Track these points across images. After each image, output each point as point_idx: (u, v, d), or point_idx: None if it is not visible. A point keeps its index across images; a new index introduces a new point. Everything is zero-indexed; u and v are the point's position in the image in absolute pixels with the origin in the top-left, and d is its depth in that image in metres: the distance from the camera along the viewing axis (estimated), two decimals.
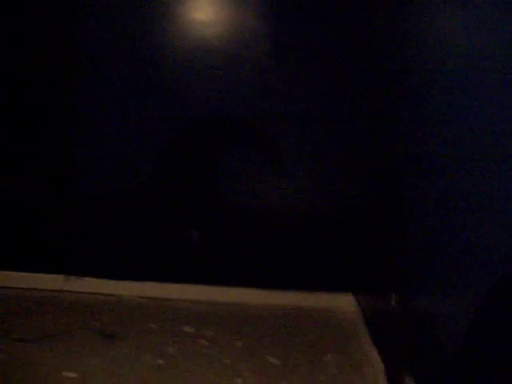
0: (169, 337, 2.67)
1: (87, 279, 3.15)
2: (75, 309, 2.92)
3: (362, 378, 2.39)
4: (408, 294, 2.18)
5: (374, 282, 2.83)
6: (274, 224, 3.15)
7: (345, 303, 3.08)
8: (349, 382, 2.36)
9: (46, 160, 3.16)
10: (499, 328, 1.30)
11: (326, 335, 2.80)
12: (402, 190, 2.35)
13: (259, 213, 3.14)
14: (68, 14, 3.05)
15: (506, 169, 1.29)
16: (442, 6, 1.93)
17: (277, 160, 3.11)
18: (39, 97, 3.11)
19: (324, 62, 3.02)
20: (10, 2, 3.04)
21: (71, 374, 2.25)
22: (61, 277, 3.15)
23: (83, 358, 2.41)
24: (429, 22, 2.08)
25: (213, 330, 2.77)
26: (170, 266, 3.19)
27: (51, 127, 3.14)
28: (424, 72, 2.09)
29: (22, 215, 3.19)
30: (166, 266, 3.19)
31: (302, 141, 3.10)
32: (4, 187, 3.17)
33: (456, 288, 1.65)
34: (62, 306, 2.95)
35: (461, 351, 1.56)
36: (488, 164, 1.42)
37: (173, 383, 2.28)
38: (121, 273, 3.16)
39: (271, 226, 3.15)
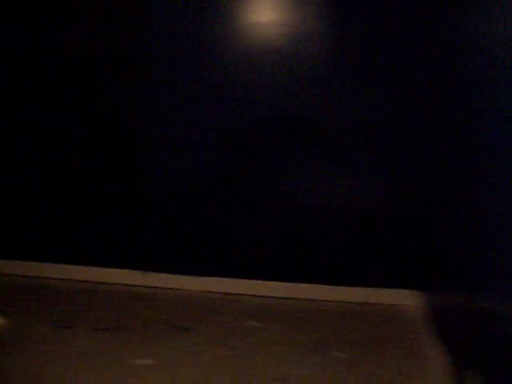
0: (237, 330, 2.79)
1: (160, 275, 3.35)
2: (149, 302, 3.13)
3: (426, 375, 2.40)
4: (476, 291, 2.16)
5: (440, 279, 2.81)
6: (339, 221, 3.19)
7: (410, 300, 3.08)
8: (412, 378, 2.37)
9: (119, 163, 3.37)
10: None
11: (391, 331, 2.81)
12: (472, 185, 2.33)
13: (324, 211, 3.19)
14: (135, 22, 3.25)
15: None
16: None
17: (342, 159, 3.15)
18: (111, 101, 3.33)
19: (390, 59, 3.03)
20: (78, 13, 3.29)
21: (146, 361, 2.42)
22: (136, 272, 3.37)
23: (156, 347, 2.57)
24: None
25: (279, 325, 2.86)
26: (238, 261, 3.31)
27: (123, 134, 3.35)
28: (493, 66, 2.07)
29: (98, 215, 3.43)
30: (234, 262, 3.32)
31: (366, 140, 3.12)
32: (81, 189, 3.42)
33: None
34: (136, 299, 3.17)
35: None
36: None
37: (240, 374, 2.37)
38: (191, 269, 3.33)
39: (336, 223, 3.20)
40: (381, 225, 3.16)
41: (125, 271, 3.39)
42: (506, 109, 1.85)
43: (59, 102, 3.39)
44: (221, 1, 3.11)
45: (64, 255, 3.49)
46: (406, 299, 3.09)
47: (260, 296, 3.23)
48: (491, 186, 2.07)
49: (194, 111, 3.23)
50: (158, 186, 3.35)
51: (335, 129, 3.12)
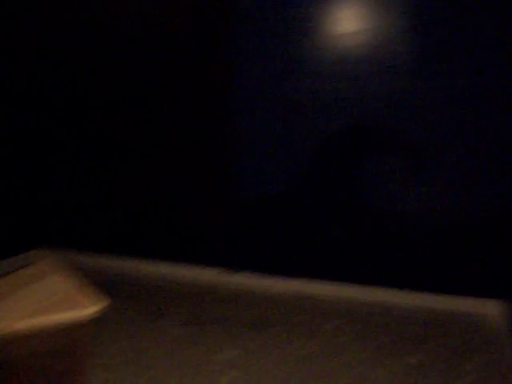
0: (312, 331, 2.90)
1: (243, 274, 3.53)
2: (232, 300, 3.32)
3: None
4: None
5: None
6: (424, 228, 3.18)
7: (493, 309, 3.01)
8: None
9: (212, 169, 3.59)
10: None
11: (469, 340, 2.77)
12: None
13: (409, 217, 3.19)
14: (224, 30, 3.43)
15: None
16: None
17: (421, 166, 3.13)
18: (200, 110, 3.55)
19: (472, 66, 2.98)
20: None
21: (224, 353, 2.61)
22: (220, 270, 3.58)
23: (234, 341, 2.75)
24: None
25: (354, 327, 2.93)
26: (320, 264, 3.40)
27: (215, 141, 3.55)
28: None
29: (189, 215, 3.67)
30: (317, 264, 3.41)
31: (445, 147, 3.09)
32: (176, 191, 3.68)
33: None
34: (220, 296, 3.38)
35: None
36: None
37: (314, 372, 2.48)
38: (272, 269, 3.48)
39: (421, 230, 3.19)
40: (467, 233, 3.11)
41: (212, 271, 3.61)
42: None
43: (156, 110, 3.68)
44: (309, 11, 3.22)
45: (157, 253, 3.79)
46: (490, 309, 3.02)
47: (341, 299, 3.31)
48: None
49: (283, 119, 3.36)
50: (245, 189, 3.51)
51: (414, 136, 3.11)
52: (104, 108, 3.85)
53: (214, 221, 3.61)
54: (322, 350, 2.68)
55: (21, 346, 1.70)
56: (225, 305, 3.26)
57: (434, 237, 3.17)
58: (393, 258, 3.25)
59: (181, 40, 3.54)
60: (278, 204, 3.46)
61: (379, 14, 3.10)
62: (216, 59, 3.48)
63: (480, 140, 3.02)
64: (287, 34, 3.28)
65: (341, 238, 3.33)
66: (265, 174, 3.45)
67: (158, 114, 3.68)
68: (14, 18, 3.82)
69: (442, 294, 3.14)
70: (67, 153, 4.03)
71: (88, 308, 1.78)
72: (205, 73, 3.52)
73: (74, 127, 3.98)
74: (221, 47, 3.45)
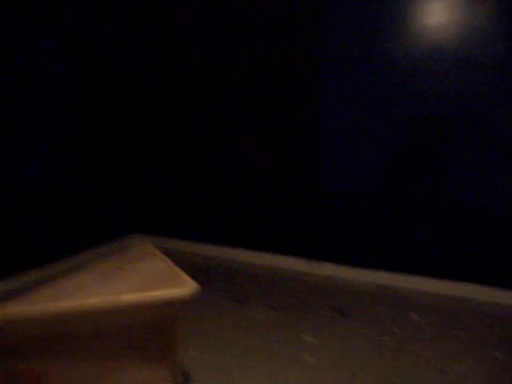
0: (395, 320, 2.92)
1: (328, 264, 3.60)
2: (315, 288, 3.41)
3: None
4: None
5: None
6: (507, 224, 3.10)
7: None
8: None
9: (299, 162, 3.68)
10: None
11: None
12: None
13: (496, 212, 3.12)
14: (312, 26, 3.50)
15: None
16: None
17: (507, 160, 3.05)
18: (288, 103, 3.65)
19: None
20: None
21: (309, 338, 2.70)
22: (306, 261, 3.67)
23: (319, 327, 2.84)
24: None
25: (438, 320, 2.92)
26: (402, 257, 3.40)
27: (300, 136, 3.64)
28: None
29: (278, 206, 3.79)
30: (398, 256, 3.41)
31: None
32: (265, 182, 3.81)
33: None
34: (305, 285, 3.48)
35: None
36: None
37: (399, 363, 2.51)
38: (358, 261, 3.52)
39: (503, 225, 3.11)
40: None
41: (295, 259, 3.72)
42: None
43: (248, 103, 3.83)
44: (396, 4, 3.22)
45: (246, 242, 3.95)
46: None
47: (423, 292, 3.30)
48: None
49: (365, 111, 3.39)
50: (331, 182, 3.58)
51: (505, 129, 3.03)
52: (198, 101, 4.05)
53: (303, 212, 3.70)
54: (406, 341, 2.70)
55: (121, 317, 1.89)
56: (310, 293, 3.35)
57: None
58: (480, 254, 3.19)
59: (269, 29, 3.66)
60: (363, 197, 3.49)
61: (468, 6, 3.04)
62: (301, 54, 3.56)
63: None
64: (371, 26, 3.29)
65: (426, 232, 3.31)
66: (350, 167, 3.49)
67: (249, 107, 3.83)
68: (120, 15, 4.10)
69: None
70: (162, 142, 4.28)
71: (180, 289, 1.93)
72: (291, 69, 3.62)
73: (170, 117, 4.22)
74: (307, 41, 3.53)
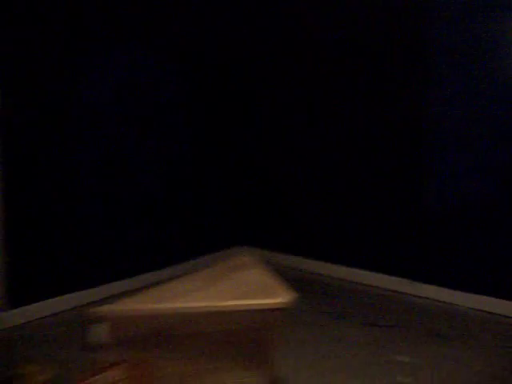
0: (495, 350, 2.80)
1: (427, 286, 3.53)
2: (415, 309, 3.37)
3: None
4: None
5: None
6: None
7: None
8: None
9: (403, 177, 3.67)
10: None
11: None
12: None
13: None
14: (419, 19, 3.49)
15: None
16: None
17: None
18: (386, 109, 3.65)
19: None
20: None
21: (404, 358, 2.68)
22: (405, 280, 3.63)
23: (415, 348, 2.81)
24: None
25: None
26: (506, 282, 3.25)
27: (404, 152, 3.63)
28: None
29: (380, 224, 3.79)
30: (500, 283, 3.26)
31: None
32: (368, 200, 3.83)
33: None
34: (404, 304, 3.44)
35: None
36: None
37: None
38: (463, 285, 3.41)
39: None
40: None
41: (395, 278, 3.68)
42: None
43: (349, 107, 3.89)
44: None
45: (344, 258, 3.98)
46: None
47: None
48: None
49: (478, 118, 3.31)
50: (437, 199, 3.51)
51: None
52: (311, 113, 4.18)
53: (406, 230, 3.66)
54: (503, 369, 2.59)
55: (221, 322, 2.03)
56: (409, 313, 3.32)
57: None
58: None
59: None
60: (472, 215, 3.38)
61: None
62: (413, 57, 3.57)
63: None
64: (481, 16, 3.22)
65: None
66: (457, 182, 3.41)
67: (353, 119, 3.89)
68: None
69: None
70: (271, 156, 4.46)
71: (278, 298, 2.04)
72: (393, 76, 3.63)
73: (281, 128, 4.39)
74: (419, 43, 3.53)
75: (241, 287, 2.16)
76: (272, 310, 2.03)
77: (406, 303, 3.48)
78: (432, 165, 3.49)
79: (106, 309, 1.97)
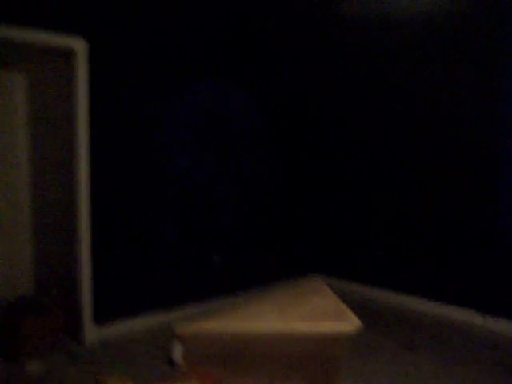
0: None
1: (503, 321, 3.46)
2: (487, 343, 3.31)
3: None
4: None
5: None
6: None
7: None
8: None
9: (477, 209, 3.65)
10: None
11: None
12: None
13: None
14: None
15: None
16: None
17: None
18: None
19: None
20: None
21: None
22: (481, 315, 3.57)
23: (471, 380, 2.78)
24: None
25: None
26: None
27: (479, 183, 3.62)
28: None
29: (456, 257, 3.77)
30: None
31: None
32: (438, 232, 3.83)
33: None
34: (476, 338, 3.39)
35: None
36: None
37: None
38: None
39: None
40: None
41: (469, 312, 3.63)
42: None
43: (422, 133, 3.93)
44: None
45: (420, 289, 3.98)
46: None
47: None
48: None
49: None
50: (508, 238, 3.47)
51: None
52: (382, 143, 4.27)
53: (481, 264, 3.63)
54: None
55: (290, 344, 2.15)
56: (481, 347, 3.27)
57: None
58: None
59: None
60: None
61: None
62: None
63: None
64: None
65: None
66: None
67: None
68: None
69: None
70: (341, 189, 4.57)
71: (345, 325, 2.14)
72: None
73: (357, 160, 4.50)
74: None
75: (310, 312, 2.28)
76: (338, 335, 2.13)
77: (480, 337, 3.42)
78: (508, 196, 3.45)
79: (186, 327, 2.16)
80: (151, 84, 3.53)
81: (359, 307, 4.07)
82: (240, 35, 4.03)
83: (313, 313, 2.28)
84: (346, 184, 4.50)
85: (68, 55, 3.37)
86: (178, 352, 2.94)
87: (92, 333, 3.31)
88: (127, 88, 3.40)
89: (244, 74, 4.09)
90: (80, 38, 3.11)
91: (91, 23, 3.19)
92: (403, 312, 3.95)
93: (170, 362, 3.00)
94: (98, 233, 3.30)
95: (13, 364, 2.97)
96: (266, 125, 4.29)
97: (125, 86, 3.39)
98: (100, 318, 3.36)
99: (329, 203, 4.66)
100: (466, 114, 3.63)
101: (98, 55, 3.24)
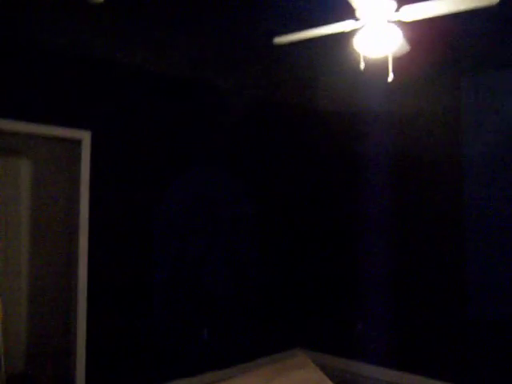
0: None
1: None
2: None
3: None
4: None
5: None
6: None
7: None
8: None
9: (444, 290, 3.91)
10: None
11: None
12: None
13: None
14: None
15: None
16: None
17: None
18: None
19: None
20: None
21: None
22: None
23: None
24: None
25: None
26: None
27: (444, 262, 3.90)
28: None
29: (437, 333, 3.98)
30: None
31: None
32: (416, 310, 4.06)
33: None
34: None
35: None
36: None
37: None
38: None
39: None
40: None
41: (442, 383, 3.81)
42: None
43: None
44: None
45: (402, 363, 4.15)
46: None
47: None
48: None
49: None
50: (477, 312, 3.70)
51: None
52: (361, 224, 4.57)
53: (450, 338, 3.84)
54: None
55: None
56: None
57: None
58: None
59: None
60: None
61: None
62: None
63: None
64: None
65: None
66: (498, 296, 3.60)
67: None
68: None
69: None
70: (322, 267, 4.82)
71: None
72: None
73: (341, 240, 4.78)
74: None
75: None
76: None
77: None
78: (475, 277, 3.72)
79: None
80: (148, 168, 3.84)
81: (342, 381, 4.21)
82: (231, 133, 4.43)
83: None
84: (328, 263, 4.76)
85: (73, 143, 3.69)
86: None
87: None
88: (124, 172, 3.71)
89: (233, 165, 4.44)
90: (86, 131, 3.45)
91: (95, 118, 3.55)
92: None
93: None
94: (93, 310, 3.49)
95: None
96: (251, 209, 4.60)
97: (122, 170, 3.70)
98: None
99: (312, 281, 4.90)
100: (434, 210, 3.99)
101: (100, 143, 3.57)
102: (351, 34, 3.04)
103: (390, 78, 2.43)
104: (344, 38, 3.11)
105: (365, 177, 4.50)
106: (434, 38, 3.13)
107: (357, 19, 2.37)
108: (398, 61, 3.58)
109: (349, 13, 2.66)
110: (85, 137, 3.42)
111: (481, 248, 3.71)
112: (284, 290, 4.86)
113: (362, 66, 2.33)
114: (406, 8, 2.25)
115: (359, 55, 3.24)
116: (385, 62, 3.40)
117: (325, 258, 4.80)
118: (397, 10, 2.36)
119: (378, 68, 3.68)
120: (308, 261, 4.96)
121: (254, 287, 4.58)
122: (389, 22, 2.36)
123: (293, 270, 4.95)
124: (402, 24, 2.84)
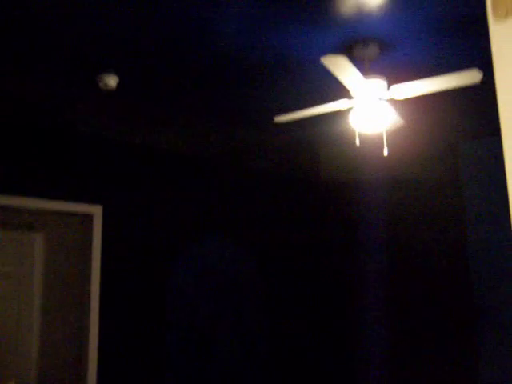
0: None
1: None
2: None
3: None
4: None
5: None
6: None
7: None
8: None
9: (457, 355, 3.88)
10: None
11: None
12: None
13: None
14: None
15: None
16: None
17: None
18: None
19: None
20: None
21: None
22: None
23: None
24: None
25: None
26: None
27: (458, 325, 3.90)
28: None
29: None
30: None
31: None
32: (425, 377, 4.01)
33: None
34: None
35: None
36: None
37: None
38: None
39: None
40: None
41: None
42: None
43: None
44: None
45: None
46: None
47: None
48: None
49: None
50: (491, 376, 3.66)
51: None
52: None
53: None
54: None
55: None
56: None
57: None
58: None
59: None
60: None
61: None
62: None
63: None
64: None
65: None
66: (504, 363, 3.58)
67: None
68: None
69: None
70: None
71: None
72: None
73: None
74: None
75: None
76: None
77: None
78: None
79: None
80: (157, 241, 3.95)
81: None
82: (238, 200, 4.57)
83: None
84: (335, 342, 4.74)
85: (85, 217, 3.83)
86: None
87: None
88: (135, 245, 3.82)
89: (240, 235, 4.54)
90: (97, 205, 3.60)
91: (106, 193, 3.71)
92: None
93: None
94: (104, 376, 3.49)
95: None
96: (261, 281, 4.64)
97: (132, 243, 3.81)
98: None
99: (325, 357, 4.85)
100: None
101: (111, 217, 3.71)
102: (349, 111, 3.23)
103: (385, 152, 2.57)
104: (344, 115, 3.30)
105: (364, 243, 4.57)
106: (427, 111, 3.31)
107: (350, 98, 2.55)
108: (393, 134, 3.75)
109: (344, 92, 2.85)
110: (96, 211, 3.55)
111: (489, 315, 3.71)
112: (287, 362, 4.81)
113: (358, 142, 2.47)
114: (395, 87, 2.42)
115: (355, 132, 3.42)
116: (380, 136, 3.58)
117: (333, 339, 4.78)
118: (388, 89, 2.54)
119: (375, 142, 3.86)
120: (317, 336, 4.93)
121: (262, 355, 4.54)
122: (381, 99, 2.53)
123: (303, 341, 4.91)
124: (394, 101, 3.02)
